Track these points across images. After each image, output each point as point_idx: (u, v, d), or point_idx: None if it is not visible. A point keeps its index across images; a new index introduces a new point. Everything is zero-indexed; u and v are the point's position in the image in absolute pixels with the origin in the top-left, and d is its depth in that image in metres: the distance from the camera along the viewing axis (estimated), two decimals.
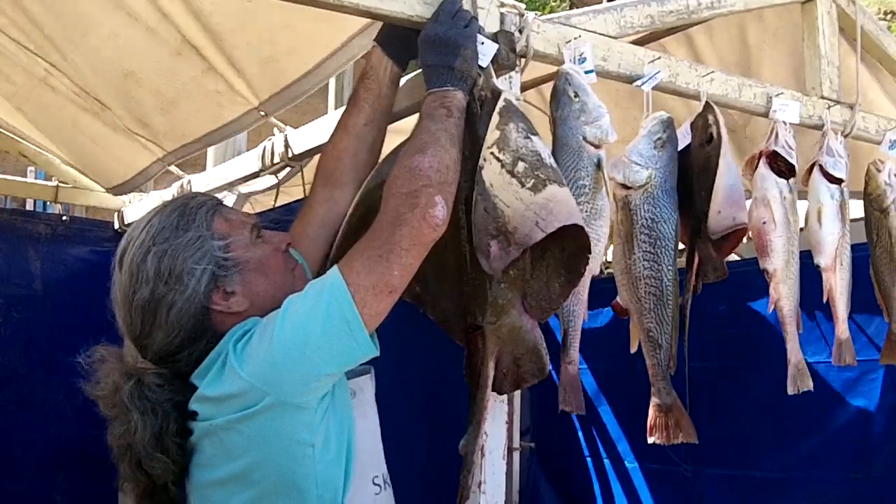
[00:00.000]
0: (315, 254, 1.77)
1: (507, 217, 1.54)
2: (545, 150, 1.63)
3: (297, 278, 1.62)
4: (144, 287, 1.49)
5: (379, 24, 1.83)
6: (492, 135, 1.61)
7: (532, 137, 1.62)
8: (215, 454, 1.47)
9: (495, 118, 1.63)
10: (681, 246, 2.07)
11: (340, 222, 1.79)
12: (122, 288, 1.52)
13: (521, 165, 1.57)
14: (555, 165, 1.62)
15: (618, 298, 2.04)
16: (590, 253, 1.61)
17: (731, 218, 2.01)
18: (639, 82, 2.02)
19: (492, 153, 1.59)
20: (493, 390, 1.66)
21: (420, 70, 1.73)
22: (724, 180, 2.01)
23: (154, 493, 1.51)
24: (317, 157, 2.62)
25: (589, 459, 4.03)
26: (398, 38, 1.78)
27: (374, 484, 1.65)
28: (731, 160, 2.06)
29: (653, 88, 2.02)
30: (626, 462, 3.86)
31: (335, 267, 1.44)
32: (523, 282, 1.65)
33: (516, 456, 3.97)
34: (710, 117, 2.08)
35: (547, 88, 2.70)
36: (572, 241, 1.61)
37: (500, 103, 1.65)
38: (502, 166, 1.57)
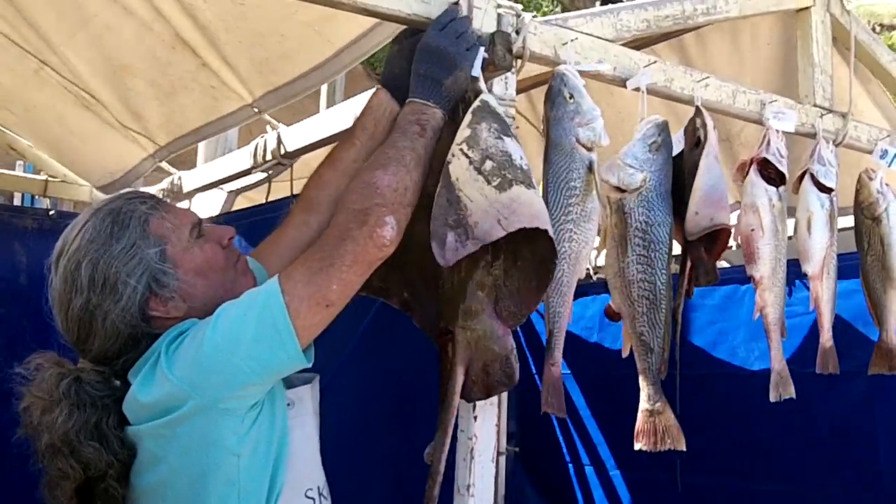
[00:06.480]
0: (279, 270, 1.75)
1: (470, 210, 1.52)
2: (517, 152, 1.60)
3: (240, 272, 1.59)
4: (79, 296, 1.46)
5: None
6: (462, 132, 1.59)
7: (504, 138, 1.59)
8: (142, 460, 1.44)
9: (468, 117, 1.61)
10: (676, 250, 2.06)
11: (308, 245, 1.74)
12: (58, 293, 1.49)
13: (488, 164, 1.54)
14: (526, 167, 1.60)
15: (610, 302, 2.02)
16: (556, 258, 1.59)
17: (708, 218, 2.00)
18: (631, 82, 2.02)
19: (461, 150, 1.57)
20: (461, 397, 1.64)
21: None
22: (704, 180, 2.01)
23: (89, 488, 1.44)
24: (308, 154, 2.64)
25: (571, 465, 4.03)
26: (400, 76, 1.76)
27: (307, 497, 1.59)
28: (712, 161, 2.05)
29: (648, 93, 2.03)
30: (608, 469, 3.86)
31: (276, 276, 1.41)
32: (495, 287, 1.63)
33: (502, 460, 3.97)
34: (698, 120, 2.09)
35: (536, 94, 2.72)
36: (540, 246, 1.59)
37: (476, 103, 1.63)
38: (470, 163, 1.55)
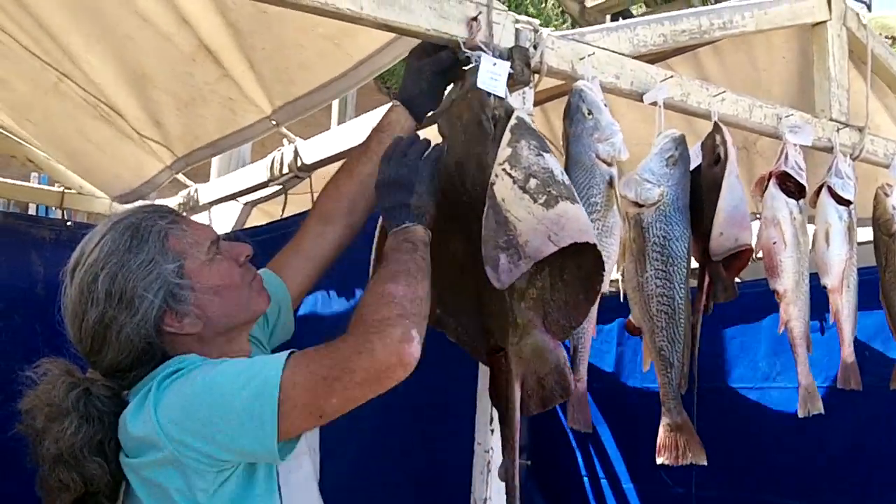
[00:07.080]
0: (297, 282, 1.76)
1: (519, 230, 1.52)
2: (558, 167, 1.61)
3: (255, 291, 1.58)
4: (94, 308, 1.45)
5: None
6: (503, 152, 1.60)
7: (544, 154, 1.60)
8: (128, 492, 1.45)
9: (507, 136, 1.62)
10: (693, 265, 2.06)
11: (325, 256, 1.79)
12: (73, 304, 1.49)
13: (532, 182, 1.55)
14: (568, 182, 1.61)
15: (630, 317, 2.02)
16: (604, 271, 1.60)
17: (732, 239, 2.00)
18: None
19: (503, 169, 1.58)
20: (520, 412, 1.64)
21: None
22: (727, 201, 2.01)
23: (83, 501, 1.44)
24: (324, 168, 2.66)
25: (586, 479, 4.01)
26: (419, 95, 1.79)
27: None
28: (734, 181, 2.05)
29: (665, 108, 2.03)
30: (622, 482, 3.84)
31: (280, 362, 1.34)
32: (543, 302, 1.64)
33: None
34: (718, 137, 2.09)
35: (551, 107, 2.73)
36: (587, 260, 1.60)
37: (512, 121, 1.64)
38: (514, 182, 1.56)
